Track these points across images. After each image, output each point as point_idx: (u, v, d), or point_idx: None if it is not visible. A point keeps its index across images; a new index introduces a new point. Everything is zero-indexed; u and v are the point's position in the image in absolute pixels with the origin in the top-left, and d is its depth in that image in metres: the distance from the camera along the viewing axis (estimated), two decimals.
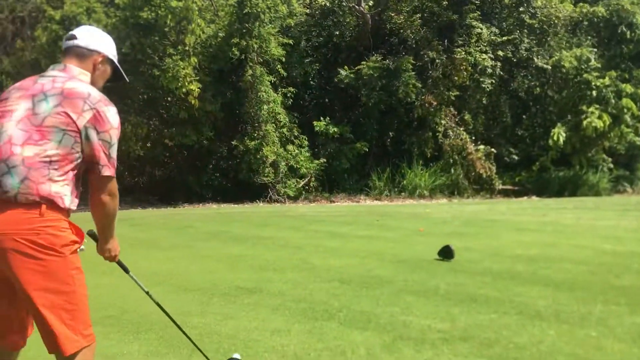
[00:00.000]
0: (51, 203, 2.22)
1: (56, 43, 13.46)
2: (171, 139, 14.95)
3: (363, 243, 7.75)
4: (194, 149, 15.92)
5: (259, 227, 9.13)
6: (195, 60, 13.73)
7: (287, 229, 8.89)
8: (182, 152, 16.35)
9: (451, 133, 18.61)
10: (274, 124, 16.14)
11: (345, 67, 17.65)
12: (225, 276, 5.81)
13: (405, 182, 17.84)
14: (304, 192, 16.59)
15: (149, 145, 14.44)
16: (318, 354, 3.85)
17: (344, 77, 17.47)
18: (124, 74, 2.67)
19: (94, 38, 2.52)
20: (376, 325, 4.43)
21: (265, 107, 15.49)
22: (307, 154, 16.88)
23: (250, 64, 14.98)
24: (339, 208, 13.26)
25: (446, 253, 6.75)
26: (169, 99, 14.66)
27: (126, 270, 2.96)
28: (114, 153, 2.38)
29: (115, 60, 2.62)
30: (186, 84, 13.18)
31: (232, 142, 15.66)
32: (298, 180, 16.51)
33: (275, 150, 15.79)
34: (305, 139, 17.04)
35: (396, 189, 17.73)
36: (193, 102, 13.68)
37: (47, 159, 2.23)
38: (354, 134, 17.84)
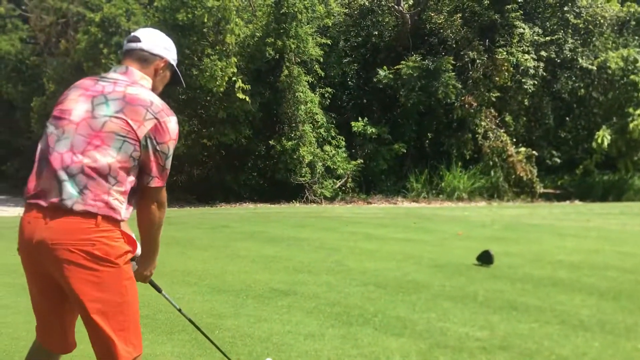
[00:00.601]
0: (107, 214, 2.18)
1: (97, 45, 13.74)
2: (210, 138, 15.07)
3: (400, 246, 7.63)
4: (232, 148, 16.01)
5: (295, 228, 9.09)
6: (235, 60, 13.78)
7: (323, 230, 8.82)
8: (220, 152, 16.46)
9: (491, 135, 18.26)
10: (311, 124, 16.11)
11: (385, 67, 17.50)
12: (259, 277, 5.78)
13: (443, 184, 17.59)
14: (340, 193, 16.51)
15: (188, 143, 14.56)
16: None
17: (382, 78, 17.32)
18: (181, 79, 2.61)
19: (157, 42, 2.44)
20: (412, 331, 4.33)
21: (302, 107, 15.47)
22: (344, 155, 16.79)
23: (287, 64, 14.98)
24: (375, 210, 13.14)
25: (485, 258, 6.58)
26: (207, 98, 14.77)
27: (159, 290, 2.86)
28: (168, 164, 2.32)
29: (175, 65, 2.56)
30: (224, 82, 13.24)
31: (270, 142, 15.68)
32: (335, 181, 16.44)
33: (312, 150, 15.76)
34: (342, 140, 16.96)
35: (434, 191, 17.50)
36: (243, 97, 13.74)
37: (107, 168, 2.18)
38: (392, 134, 17.67)
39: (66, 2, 15.03)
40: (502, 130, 18.51)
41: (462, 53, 18.06)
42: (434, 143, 18.66)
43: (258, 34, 14.89)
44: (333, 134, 16.92)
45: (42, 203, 2.17)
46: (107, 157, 2.18)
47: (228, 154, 16.45)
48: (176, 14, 13.30)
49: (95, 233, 2.16)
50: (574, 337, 4.24)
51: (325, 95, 16.98)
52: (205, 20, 13.32)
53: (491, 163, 18.09)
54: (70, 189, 2.15)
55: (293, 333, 4.25)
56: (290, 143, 15.49)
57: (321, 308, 4.87)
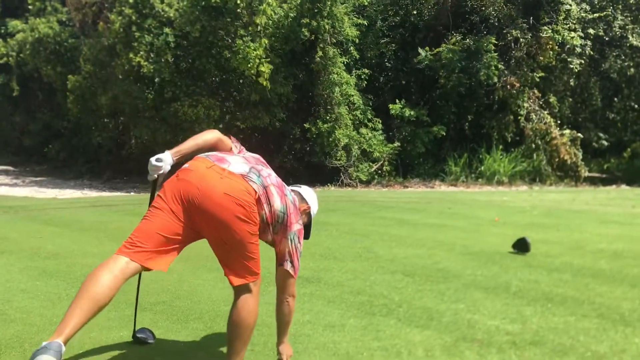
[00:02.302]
0: (259, 204, 2.87)
1: (130, 27, 13.74)
2: (244, 121, 14.96)
3: (432, 232, 7.36)
4: (267, 131, 15.90)
5: (326, 212, 8.88)
6: (266, 42, 13.58)
7: (354, 215, 8.61)
8: (255, 135, 16.38)
9: (534, 116, 17.65)
10: (347, 107, 15.84)
11: (426, 48, 17.02)
12: None
13: (483, 167, 17.12)
14: (376, 177, 16.24)
15: (221, 126, 14.48)
16: (371, 353, 3.57)
17: (423, 59, 16.87)
18: (310, 233, 3.38)
19: (309, 194, 3.38)
20: (438, 323, 4.10)
21: (337, 89, 15.20)
22: (381, 138, 16.48)
23: (321, 45, 14.69)
24: (411, 194, 12.83)
25: (521, 246, 6.27)
26: (240, 81, 14.65)
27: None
28: (299, 260, 3.22)
29: (311, 218, 3.41)
30: (255, 66, 13.05)
31: (305, 125, 15.48)
32: (371, 164, 16.17)
33: (348, 133, 15.50)
34: (379, 122, 16.64)
35: (473, 175, 17.05)
36: (265, 83, 13.57)
37: (271, 205, 2.94)
38: (431, 117, 17.24)
39: None
40: (545, 112, 17.87)
41: (504, 32, 17.42)
42: (474, 125, 18.14)
43: (292, 14, 14.63)
44: (370, 117, 16.61)
45: (223, 166, 2.89)
46: (275, 204, 2.96)
47: (263, 137, 16.35)
48: None
49: (250, 199, 2.84)
50: (612, 332, 3.95)
51: (362, 77, 16.65)
52: (239, 1, 13.13)
53: (533, 146, 17.51)
54: (255, 177, 2.93)
55: (312, 323, 4.08)
56: (325, 126, 15.27)
57: (344, 297, 4.68)
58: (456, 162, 17.11)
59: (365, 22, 16.37)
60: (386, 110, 16.73)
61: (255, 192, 2.86)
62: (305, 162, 16.31)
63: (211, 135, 3.12)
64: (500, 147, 17.35)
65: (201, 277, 5.23)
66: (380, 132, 16.57)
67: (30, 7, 20.21)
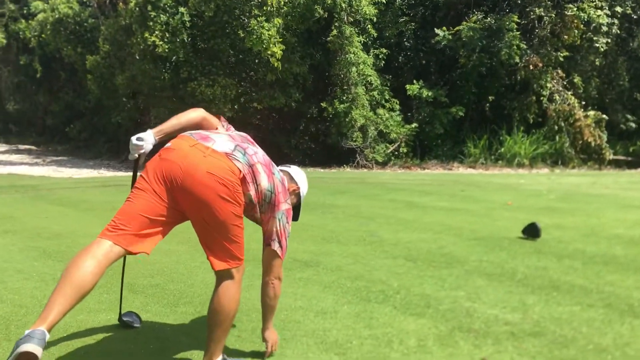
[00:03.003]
0: (244, 184, 2.77)
1: (145, 6, 13.64)
2: (260, 101, 14.84)
3: (441, 216, 7.18)
4: (283, 111, 15.76)
5: (334, 194, 8.76)
6: (280, 21, 13.37)
7: (363, 198, 8.45)
8: (272, 115, 16.25)
9: (557, 97, 17.18)
10: (364, 87, 15.60)
11: (444, 27, 16.64)
12: None
13: (503, 149, 16.77)
14: (393, 158, 16.02)
15: (236, 107, 14.40)
16: (361, 342, 3.46)
17: (441, 39, 16.49)
18: (299, 215, 3.29)
19: (299, 175, 3.27)
20: (435, 311, 3.96)
21: (354, 69, 14.96)
22: (398, 118, 16.22)
23: (337, 24, 14.42)
24: (426, 176, 12.61)
25: (531, 231, 6.07)
26: (256, 61, 14.49)
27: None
28: (287, 241, 3.10)
29: (301, 200, 3.29)
30: (270, 45, 12.87)
31: (322, 105, 15.30)
32: (387, 145, 15.94)
33: (365, 114, 15.29)
34: (396, 103, 16.38)
35: (493, 157, 16.72)
36: (276, 64, 13.39)
37: (258, 184, 2.84)
38: (450, 97, 16.90)
39: None
40: (569, 93, 17.38)
41: (527, 10, 16.93)
42: (495, 106, 17.74)
43: None
44: (387, 97, 16.35)
45: (206, 144, 2.77)
46: (263, 183, 2.86)
47: (280, 118, 16.22)
48: None
49: (236, 182, 2.74)
50: (618, 324, 3.77)
51: (380, 57, 16.37)
52: None
53: (556, 127, 17.07)
54: (240, 155, 2.80)
55: (304, 309, 3.98)
56: (342, 106, 15.07)
57: (341, 282, 4.57)
58: (475, 144, 16.80)
59: (383, 0, 16.03)
60: (405, 90, 16.45)
61: (240, 171, 2.76)
62: (321, 143, 16.16)
63: (196, 114, 3.01)
64: (522, 128, 16.96)
65: (199, 259, 5.15)
66: (398, 112, 16.31)
67: None
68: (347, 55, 14.81)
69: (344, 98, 15.15)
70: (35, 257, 5.06)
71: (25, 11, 21.67)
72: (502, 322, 3.79)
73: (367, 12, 15.31)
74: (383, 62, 16.46)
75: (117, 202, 8.26)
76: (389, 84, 16.63)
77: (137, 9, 13.79)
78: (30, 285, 4.36)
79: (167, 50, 13.52)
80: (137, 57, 14.37)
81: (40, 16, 18.81)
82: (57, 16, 17.77)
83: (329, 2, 13.96)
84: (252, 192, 2.81)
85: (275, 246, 2.99)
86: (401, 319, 3.82)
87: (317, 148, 16.38)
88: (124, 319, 3.62)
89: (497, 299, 4.22)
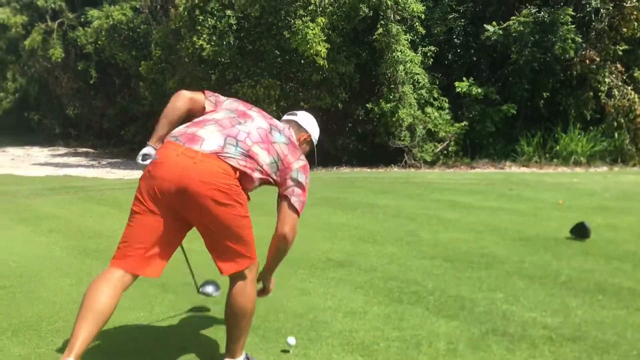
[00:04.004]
0: (245, 177, 2.69)
1: (194, 10, 13.87)
2: (306, 101, 14.84)
3: (486, 216, 6.95)
4: (330, 111, 15.70)
5: (377, 194, 8.63)
6: (324, 20, 13.31)
7: (405, 197, 8.29)
8: (318, 115, 16.22)
9: (616, 92, 16.41)
10: (411, 85, 15.34)
11: (493, 22, 16.19)
12: (319, 246, 5.46)
13: (558, 147, 16.14)
14: (442, 157, 15.69)
15: (282, 104, 14.42)
16: (388, 344, 3.36)
17: (491, 34, 16.04)
18: (316, 157, 3.22)
19: (308, 121, 3.15)
20: (469, 314, 3.81)
21: (401, 67, 14.73)
22: (447, 117, 15.87)
23: (383, 22, 14.24)
24: (474, 175, 12.28)
25: (580, 231, 5.79)
26: (302, 61, 14.49)
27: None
28: (305, 196, 2.89)
29: (315, 144, 3.20)
30: (314, 45, 12.83)
31: (367, 105, 15.16)
32: (436, 144, 15.63)
33: (413, 112, 15.03)
34: (445, 101, 16.03)
35: (547, 155, 16.11)
36: (322, 62, 13.33)
37: (261, 164, 2.74)
38: (501, 94, 16.41)
39: None
40: (629, 88, 16.58)
41: (583, 2, 16.26)
42: (550, 103, 17.10)
43: None
44: (436, 95, 16.03)
45: (195, 147, 2.65)
46: (263, 160, 2.75)
47: (326, 118, 16.17)
48: None
49: (232, 181, 2.64)
50: None
51: (428, 54, 16.07)
52: None
53: (615, 124, 16.31)
54: (233, 148, 2.68)
55: (333, 309, 3.90)
56: (388, 105, 14.87)
57: (374, 282, 4.46)
58: (529, 142, 16.24)
59: None
60: (454, 88, 16.08)
61: (235, 169, 2.66)
62: (369, 143, 16.01)
63: (181, 102, 2.86)
64: (578, 125, 16.27)
65: None
66: (447, 111, 15.97)
67: None
68: (393, 54, 14.61)
69: (391, 97, 14.96)
70: (75, 255, 5.18)
71: (82, 19, 22.41)
72: (540, 326, 3.61)
73: (415, 10, 15.05)
74: (431, 59, 16.14)
75: None
76: (437, 82, 16.30)
77: (186, 13, 14.04)
78: (67, 283, 4.45)
79: (213, 53, 13.68)
80: (186, 61, 14.62)
81: (95, 23, 19.42)
82: (111, 23, 18.31)
83: (374, 0, 13.81)
84: (258, 176, 2.74)
85: (293, 199, 2.82)
86: (433, 321, 3.69)
87: (364, 148, 16.24)
88: (202, 291, 3.45)
89: (537, 301, 4.03)
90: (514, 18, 15.63)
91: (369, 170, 14.78)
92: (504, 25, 15.77)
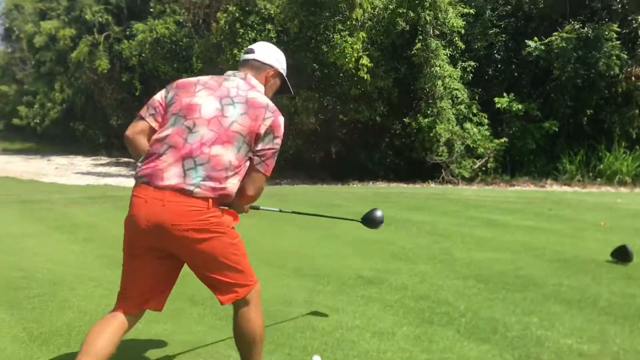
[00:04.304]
0: (219, 200, 2.53)
1: (234, 24, 14.06)
2: (344, 114, 14.83)
3: (522, 235, 6.77)
4: (367, 125, 15.66)
5: (411, 210, 8.51)
6: (364, 35, 13.30)
7: (440, 214, 8.15)
8: (356, 129, 16.20)
9: None
10: (450, 101, 15.19)
11: (535, 38, 15.92)
12: (349, 263, 5.39)
13: (602, 166, 15.69)
14: (480, 174, 15.44)
15: (321, 117, 14.44)
16: None
17: (532, 50, 15.77)
18: (290, 87, 2.93)
19: (268, 53, 2.80)
20: (501, 338, 3.69)
21: (440, 82, 14.61)
22: (487, 133, 15.63)
23: (422, 37, 14.17)
24: (512, 193, 12.03)
25: (622, 254, 5.56)
26: (340, 75, 14.51)
27: (257, 208, 3.24)
28: (276, 157, 2.68)
29: (284, 75, 2.87)
30: (353, 59, 12.83)
31: (405, 119, 15.06)
32: (474, 160, 15.40)
33: (451, 128, 14.87)
34: (485, 117, 15.81)
35: (591, 174, 15.68)
36: (365, 77, 13.30)
37: (228, 163, 2.52)
38: (543, 111, 16.08)
39: None
40: None
41: (629, 18, 15.86)
42: (593, 120, 16.66)
43: (391, 6, 14.24)
44: (475, 111, 15.82)
45: (161, 184, 2.48)
46: (230, 155, 2.53)
47: (364, 132, 16.14)
48: None
49: (207, 214, 2.49)
50: None
51: (467, 69, 15.89)
52: None
53: None
54: (194, 175, 2.48)
55: (361, 328, 3.83)
56: (426, 120, 14.75)
57: (404, 301, 4.37)
58: (571, 160, 15.84)
59: (472, 12, 15.60)
60: (494, 104, 15.85)
61: (205, 199, 2.49)
62: (406, 158, 15.88)
63: (136, 145, 2.67)
64: (623, 143, 15.81)
65: (261, 271, 5.05)
66: (486, 127, 15.73)
67: (152, 10, 21.45)
68: (432, 69, 14.51)
69: (429, 112, 14.83)
70: (108, 265, 5.23)
71: (127, 32, 23.01)
72: (576, 353, 3.46)
73: (455, 25, 14.95)
74: (471, 75, 15.96)
75: None
76: (477, 98, 16.10)
77: (227, 27, 14.25)
78: (99, 292, 4.50)
79: None
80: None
81: (140, 36, 19.91)
82: (155, 36, 18.74)
83: (413, 16, 13.75)
84: (233, 180, 2.55)
85: (256, 161, 2.62)
86: (463, 344, 3.59)
87: (401, 163, 16.12)
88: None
89: (573, 327, 3.88)
90: (557, 34, 15.35)
91: (405, 185, 14.65)
92: (546, 40, 15.50)
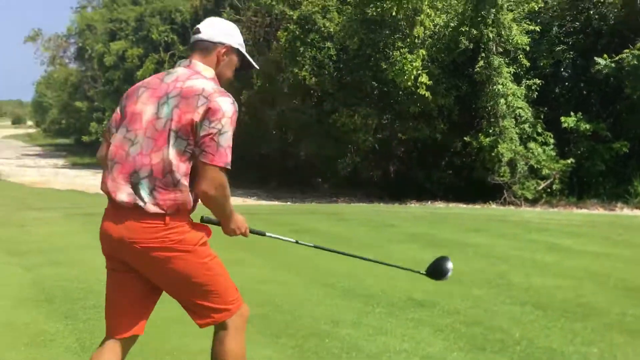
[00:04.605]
0: (175, 211, 2.31)
1: (294, 42, 14.26)
2: (403, 133, 14.71)
3: (586, 261, 6.45)
4: (427, 144, 15.47)
5: (469, 232, 8.28)
6: (424, 53, 13.20)
7: (499, 237, 7.88)
8: (415, 147, 16.03)
9: None
10: (513, 119, 14.81)
11: (605, 55, 15.33)
12: (401, 284, 5.27)
13: None
14: (544, 196, 14.91)
15: (379, 136, 14.39)
16: None
17: (602, 67, 15.18)
18: (252, 61, 2.60)
19: (216, 30, 2.48)
20: None
21: (502, 101, 14.28)
22: (552, 153, 15.12)
23: (484, 54, 13.91)
24: (578, 216, 11.53)
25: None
26: (400, 92, 14.42)
27: (262, 234, 2.84)
28: (224, 141, 2.29)
29: (242, 49, 2.55)
30: (412, 77, 12.74)
31: (465, 138, 14.79)
32: (539, 181, 14.90)
33: (514, 147, 14.48)
34: (550, 136, 15.31)
35: None
36: (425, 94, 13.16)
37: (170, 167, 2.29)
38: (613, 131, 15.42)
39: (273, 2, 15.81)
40: None
41: None
42: None
43: (453, 24, 14.07)
44: (539, 130, 15.35)
45: (117, 200, 2.33)
46: (169, 157, 2.29)
47: (423, 150, 15.94)
48: (365, 8, 13.19)
49: (165, 231, 2.30)
50: None
51: (532, 88, 15.46)
52: (394, 12, 12.95)
53: None
54: (142, 191, 2.30)
55: (408, 352, 3.72)
56: (488, 139, 14.43)
57: (456, 326, 4.22)
58: None
59: (538, 29, 15.21)
60: (561, 123, 15.33)
61: (158, 214, 2.29)
62: (466, 178, 15.55)
63: (101, 163, 2.52)
64: None
65: (311, 290, 5.09)
66: (552, 146, 15.23)
67: None
68: (495, 87, 14.21)
69: (490, 131, 14.51)
70: None
71: None
72: None
73: (519, 42, 14.61)
74: (536, 93, 15.52)
75: None
76: (542, 117, 15.62)
77: (287, 45, 14.47)
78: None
79: (314, 83, 13.97)
80: (286, 91, 15.02)
81: None
82: None
83: (475, 33, 13.53)
84: (181, 185, 2.28)
85: (201, 156, 2.27)
86: None
87: (461, 183, 15.80)
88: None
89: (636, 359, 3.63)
90: (628, 51, 14.74)
91: (464, 206, 14.32)
92: (617, 58, 14.89)
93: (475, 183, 15.27)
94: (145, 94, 2.40)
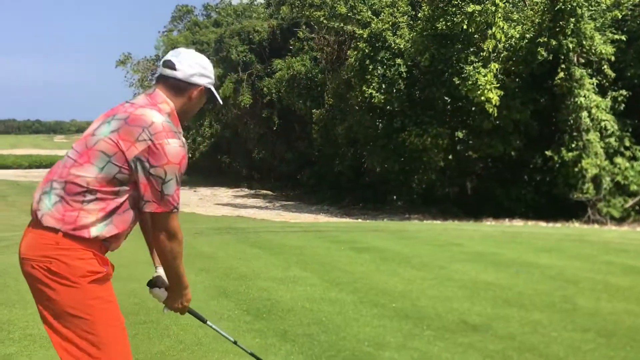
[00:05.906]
0: (71, 232, 2.08)
1: (364, 61, 14.22)
2: (476, 150, 14.28)
3: None
4: (503, 160, 14.93)
5: (539, 251, 7.83)
6: (497, 66, 12.77)
7: (572, 257, 7.40)
8: (493, 164, 15.51)
9: None
10: (597, 133, 14.04)
11: None
12: (457, 306, 5.04)
13: None
14: (633, 214, 13.98)
15: (450, 157, 14.04)
16: None
17: None
18: (218, 97, 2.43)
19: (194, 69, 2.29)
20: None
21: (585, 113, 13.57)
22: None
23: (564, 65, 13.28)
24: None
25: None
26: (472, 108, 14.03)
27: (203, 320, 2.64)
28: (168, 190, 2.13)
29: (213, 88, 2.41)
30: (485, 92, 12.34)
31: (546, 153, 14.14)
32: (626, 198, 14.00)
33: (598, 163, 13.71)
34: (639, 150, 14.38)
35: None
36: (491, 110, 12.75)
37: (85, 184, 2.10)
38: None
39: (342, 22, 15.94)
40: None
41: None
42: None
43: (529, 35, 13.55)
44: (627, 144, 14.47)
45: (32, 213, 2.18)
46: (87, 175, 2.11)
47: (500, 166, 15.39)
48: (435, 23, 12.96)
49: (53, 251, 2.08)
50: None
51: (619, 99, 14.61)
52: (465, 26, 12.63)
53: None
54: (46, 200, 2.13)
55: None
56: (570, 154, 13.75)
57: (507, 353, 3.97)
58: None
59: (624, 38, 14.39)
60: None
61: (53, 230, 2.08)
62: (546, 194, 14.85)
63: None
64: None
65: (361, 311, 4.96)
66: None
67: (291, 47, 22.48)
68: (576, 99, 13.54)
69: (573, 145, 13.81)
70: (214, 296, 5.35)
71: (269, 70, 24.29)
72: None
73: (603, 52, 13.87)
74: (623, 105, 14.65)
75: (308, 248, 8.48)
76: (630, 130, 14.72)
77: (357, 63, 14.47)
78: (197, 323, 4.57)
79: (382, 101, 13.86)
80: (356, 109, 15.00)
81: (278, 74, 20.90)
82: (291, 73, 19.55)
83: (554, 44, 12.96)
84: (97, 197, 2.10)
85: (145, 207, 2.13)
86: None
87: (541, 200, 15.09)
88: None
89: None
90: None
91: (544, 224, 13.62)
92: None
93: (557, 200, 14.56)
94: (102, 114, 2.27)
